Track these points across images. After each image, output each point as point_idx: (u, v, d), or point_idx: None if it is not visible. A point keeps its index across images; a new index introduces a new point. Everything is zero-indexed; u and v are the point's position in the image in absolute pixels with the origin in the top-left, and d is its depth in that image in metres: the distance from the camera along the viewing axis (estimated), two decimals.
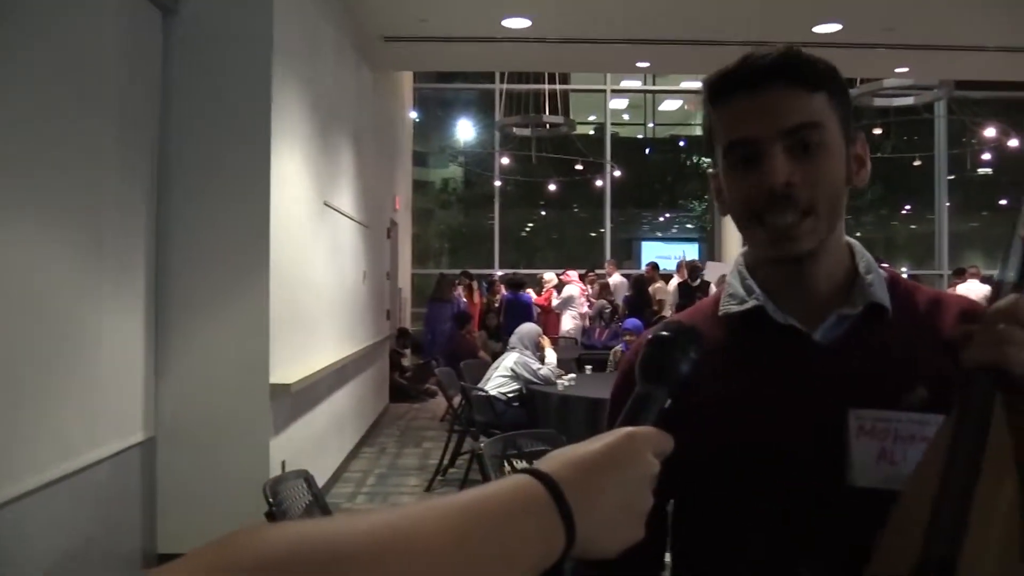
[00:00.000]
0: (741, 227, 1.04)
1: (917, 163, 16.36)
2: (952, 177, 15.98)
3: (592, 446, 0.65)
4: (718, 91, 1.01)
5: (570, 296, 11.15)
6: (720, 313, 1.10)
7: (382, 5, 6.85)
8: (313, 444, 5.54)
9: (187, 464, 4.35)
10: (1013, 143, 15.35)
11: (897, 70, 9.34)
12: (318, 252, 5.76)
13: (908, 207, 18.07)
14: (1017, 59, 8.42)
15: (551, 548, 0.58)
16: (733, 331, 1.08)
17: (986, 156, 16.25)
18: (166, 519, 4.34)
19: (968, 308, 1.04)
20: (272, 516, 2.67)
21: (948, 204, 15.78)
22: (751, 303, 1.06)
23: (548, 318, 11.05)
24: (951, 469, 0.80)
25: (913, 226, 18.13)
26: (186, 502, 4.31)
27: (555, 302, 11.22)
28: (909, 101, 11.43)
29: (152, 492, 4.32)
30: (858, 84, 10.95)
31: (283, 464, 4.52)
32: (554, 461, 0.63)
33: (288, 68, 4.84)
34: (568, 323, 10.97)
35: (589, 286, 11.79)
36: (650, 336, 0.86)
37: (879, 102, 11.36)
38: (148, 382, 4.27)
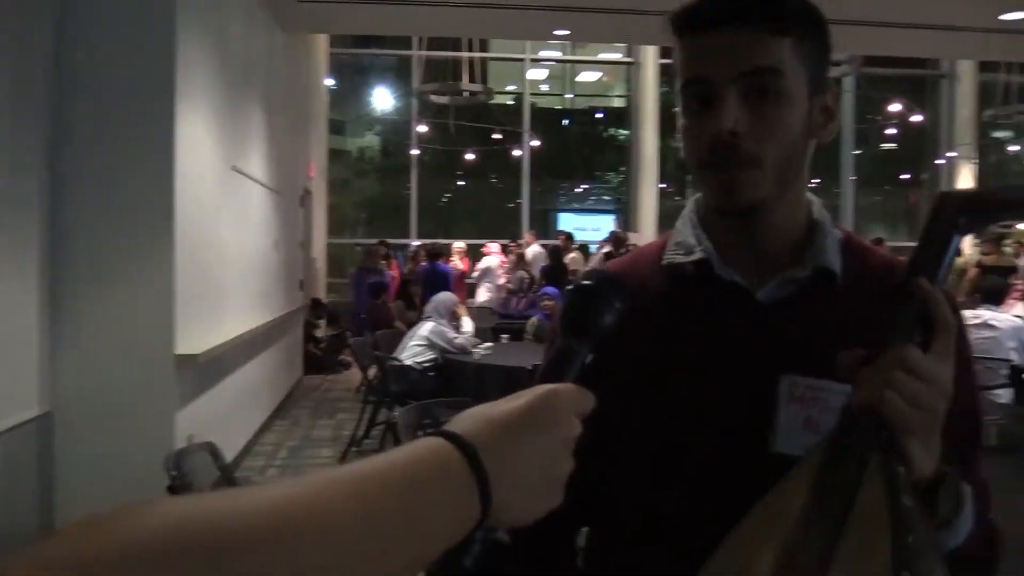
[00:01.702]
0: (693, 173, 0.99)
1: None
2: (858, 152, 16.49)
3: (510, 405, 0.61)
4: (681, 25, 0.95)
5: (488, 267, 11.17)
6: (664, 262, 1.05)
7: None
8: (222, 417, 5.40)
9: (87, 439, 4.17)
10: (916, 119, 15.93)
11: None
12: (227, 218, 5.57)
13: (816, 180, 18.59)
14: (921, 36, 8.69)
15: (465, 516, 0.55)
16: (675, 281, 1.03)
17: (890, 131, 16.83)
18: (65, 496, 4.16)
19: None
20: (174, 490, 2.58)
21: (853, 178, 16.29)
22: (697, 255, 1.01)
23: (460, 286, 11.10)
24: (818, 508, 0.79)
25: (820, 198, 18.68)
26: (86, 478, 4.12)
27: (475, 273, 11.24)
28: None
29: (49, 468, 4.13)
30: None
31: (190, 438, 4.38)
32: (469, 421, 0.59)
33: (193, 24, 4.63)
34: (484, 294, 11.00)
35: (507, 257, 11.82)
36: (571, 287, 0.82)
37: None
38: (43, 354, 4.06)
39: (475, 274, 11.31)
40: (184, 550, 0.40)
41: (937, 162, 16.33)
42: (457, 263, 11.62)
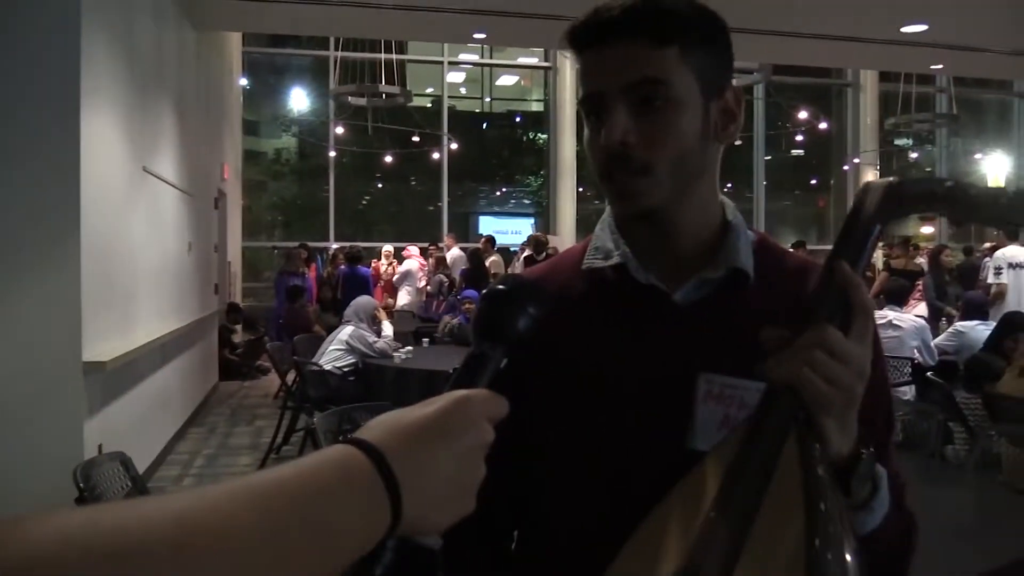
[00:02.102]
0: (598, 183, 1.01)
1: (738, 143, 17.20)
2: (768, 158, 16.99)
3: (421, 411, 0.60)
4: (573, 42, 0.98)
5: (408, 271, 11.12)
6: (584, 267, 1.06)
7: None
8: (135, 425, 5.23)
9: None
10: (823, 126, 16.50)
11: None
12: (137, 220, 5.40)
13: (729, 185, 19.07)
14: (828, 46, 9.00)
15: (375, 527, 0.53)
16: (595, 285, 1.04)
17: (798, 138, 17.39)
18: None
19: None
20: (83, 503, 2.48)
21: (765, 183, 16.77)
22: (615, 259, 1.02)
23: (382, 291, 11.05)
24: (734, 485, 0.81)
25: (733, 203, 19.17)
26: None
27: (395, 277, 11.17)
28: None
29: None
30: None
31: (99, 447, 4.23)
32: (379, 429, 0.58)
33: (99, 20, 4.48)
34: (404, 297, 10.94)
35: (427, 260, 11.79)
36: (485, 291, 0.81)
37: None
38: None
39: (395, 277, 11.25)
40: (80, 561, 0.39)
41: (844, 168, 16.94)
42: (385, 266, 11.57)
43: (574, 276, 1.06)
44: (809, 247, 12.02)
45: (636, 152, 0.93)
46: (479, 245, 11.60)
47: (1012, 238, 6.86)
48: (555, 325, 0.88)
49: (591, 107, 0.97)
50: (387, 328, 6.67)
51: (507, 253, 12.39)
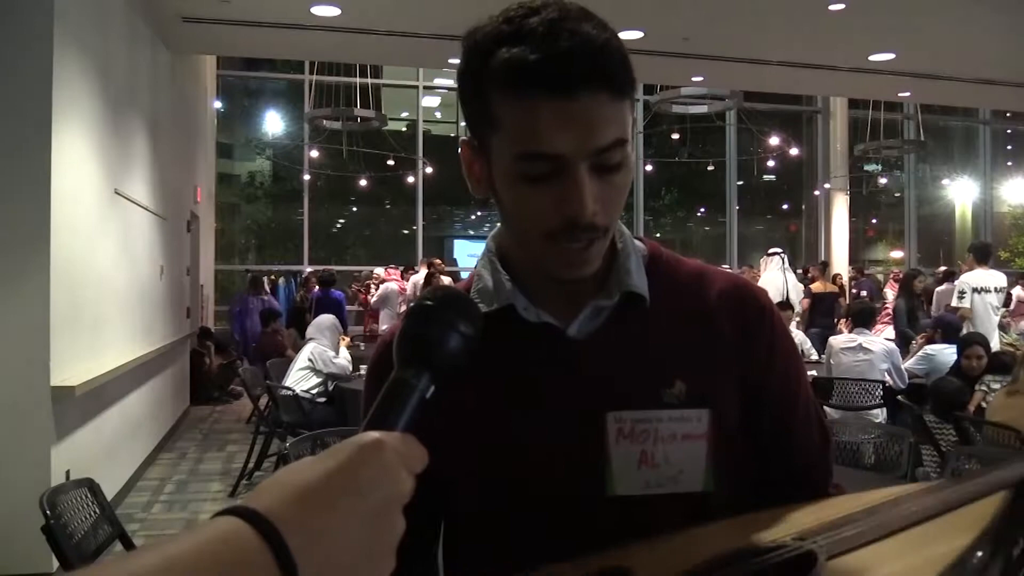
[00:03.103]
0: (521, 237, 0.91)
1: (711, 168, 17.46)
2: (741, 182, 17.17)
3: (322, 465, 0.51)
4: (527, 80, 0.81)
5: (387, 295, 10.98)
6: None
7: None
8: (103, 451, 5.15)
9: None
10: (793, 152, 16.71)
11: (694, 79, 9.89)
12: (108, 243, 5.35)
13: (702, 210, 19.25)
14: (798, 74, 9.14)
15: None
16: (485, 331, 0.88)
17: (770, 164, 17.60)
18: None
19: (734, 283, 1.00)
20: (50, 531, 2.44)
21: (737, 207, 16.93)
22: (502, 303, 0.93)
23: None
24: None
25: (707, 227, 19.33)
26: None
27: (372, 299, 11.07)
28: (703, 109, 12.17)
29: None
30: (658, 90, 11.56)
31: (67, 473, 4.16)
32: (273, 492, 0.50)
33: (72, 42, 4.46)
34: (386, 321, 10.84)
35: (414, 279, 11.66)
36: (410, 307, 0.71)
37: (677, 109, 12.04)
38: None
39: (373, 300, 11.12)
40: None
41: (814, 192, 17.15)
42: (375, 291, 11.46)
43: None
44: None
45: (598, 219, 0.84)
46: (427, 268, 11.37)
47: (981, 263, 6.97)
48: (467, 387, 0.82)
49: (542, 167, 0.83)
50: (344, 353, 6.67)
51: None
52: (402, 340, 0.66)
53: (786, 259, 8.82)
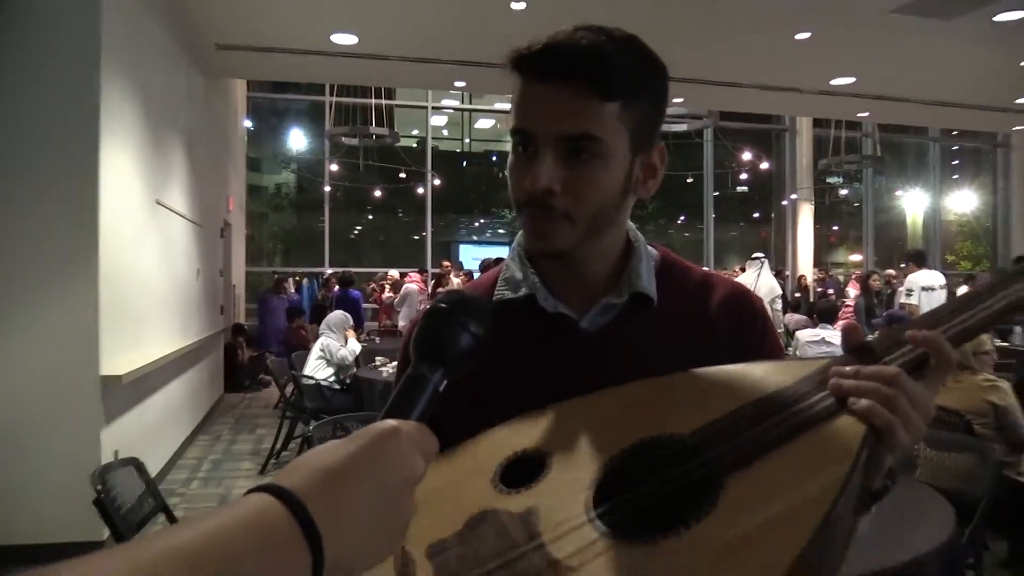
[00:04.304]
0: (517, 212, 0.92)
1: (689, 180, 17.46)
2: (717, 193, 17.16)
3: (344, 450, 0.52)
4: (517, 64, 0.87)
5: (407, 295, 10.90)
6: (494, 298, 0.97)
7: (215, 14, 6.48)
8: (147, 433, 5.17)
9: (18, 455, 3.94)
10: (764, 166, 16.72)
11: (674, 100, 9.90)
12: (150, 248, 5.36)
13: (683, 218, 19.25)
14: (768, 95, 9.16)
15: None
16: (507, 317, 0.94)
17: (743, 176, 17.60)
18: None
19: (734, 291, 0.99)
20: (101, 504, 2.46)
21: (714, 216, 16.93)
22: (523, 291, 0.95)
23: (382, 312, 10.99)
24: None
25: (687, 234, 19.31)
26: (17, 493, 3.90)
27: (395, 300, 11.02)
28: (683, 127, 12.19)
29: None
30: None
31: (115, 453, 4.18)
32: (301, 472, 0.50)
33: (118, 67, 4.48)
34: (407, 317, 10.85)
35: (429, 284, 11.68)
36: (426, 308, 0.72)
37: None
38: None
39: (396, 300, 11.07)
40: None
41: (783, 203, 17.16)
42: (388, 291, 11.46)
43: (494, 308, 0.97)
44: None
45: (558, 201, 0.85)
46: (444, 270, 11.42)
47: (921, 266, 7.02)
48: (490, 358, 0.82)
49: (519, 141, 0.87)
50: (353, 344, 6.70)
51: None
52: (418, 339, 0.66)
53: (766, 262, 8.86)
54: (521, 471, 0.81)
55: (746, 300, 1.00)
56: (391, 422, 0.55)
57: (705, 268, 1.06)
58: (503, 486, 0.81)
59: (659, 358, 0.89)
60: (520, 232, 0.99)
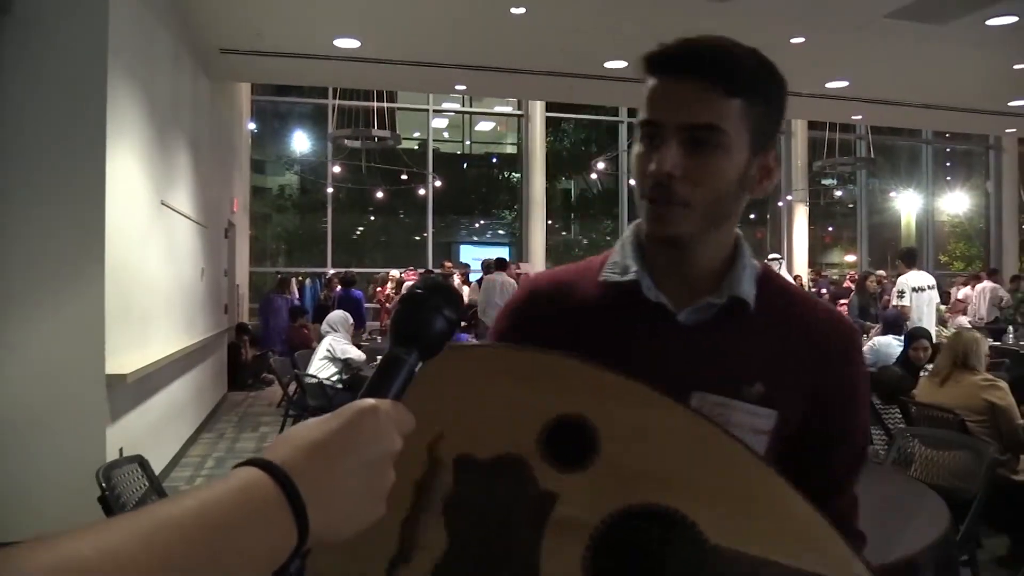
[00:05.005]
0: (636, 200, 0.98)
1: None
2: None
3: (327, 425, 0.54)
4: (647, 65, 0.93)
5: None
6: (600, 278, 1.02)
7: (219, 19, 6.47)
8: (152, 431, 5.15)
9: (24, 452, 3.92)
10: None
11: None
12: (155, 249, 5.35)
13: None
14: None
15: (280, 548, 0.48)
16: (609, 296, 1.01)
17: None
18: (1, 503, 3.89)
19: (830, 319, 1.01)
20: (105, 500, 2.45)
21: None
22: (630, 276, 0.99)
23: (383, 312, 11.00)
24: None
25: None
26: (23, 489, 3.88)
27: (396, 298, 11.06)
28: None
29: None
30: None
31: (120, 451, 4.17)
32: (286, 446, 0.52)
33: (124, 70, 4.47)
34: None
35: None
36: (403, 294, 0.73)
37: None
38: None
39: (396, 298, 11.09)
40: None
41: (778, 204, 17.15)
42: (391, 290, 11.43)
43: (593, 284, 1.03)
44: None
45: (679, 186, 0.90)
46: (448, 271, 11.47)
47: (909, 266, 7.00)
48: (573, 327, 0.94)
49: (647, 132, 0.93)
50: (353, 352, 6.68)
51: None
52: (396, 322, 0.68)
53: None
54: (569, 437, 0.84)
55: (840, 328, 1.02)
56: (370, 400, 0.57)
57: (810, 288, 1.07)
58: (545, 448, 0.84)
59: (744, 359, 0.95)
60: (634, 223, 1.05)
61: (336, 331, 6.49)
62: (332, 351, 6.28)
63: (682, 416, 0.85)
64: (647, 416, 0.85)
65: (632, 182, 0.96)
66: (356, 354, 6.39)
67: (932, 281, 7.02)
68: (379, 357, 4.29)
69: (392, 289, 11.54)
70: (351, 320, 6.89)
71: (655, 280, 0.99)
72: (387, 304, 11.27)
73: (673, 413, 0.85)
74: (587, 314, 1.01)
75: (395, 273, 11.97)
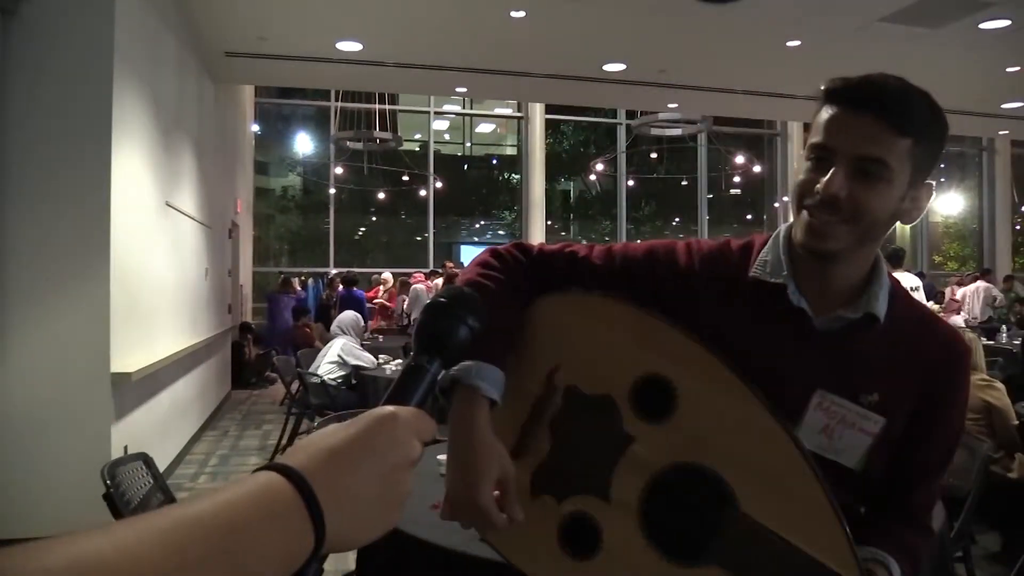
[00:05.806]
0: (793, 206, 1.06)
1: (684, 183, 17.46)
2: (711, 196, 17.15)
3: (346, 431, 0.54)
4: (830, 92, 1.01)
5: (417, 295, 10.73)
6: (751, 274, 1.09)
7: (223, 23, 6.47)
8: (156, 429, 5.15)
9: (29, 449, 3.92)
10: (756, 169, 16.70)
11: (669, 105, 9.89)
12: (160, 249, 5.35)
13: (677, 219, 19.23)
14: (760, 101, 9.15)
15: (297, 552, 0.48)
16: (756, 292, 1.08)
17: (736, 179, 17.59)
18: (5, 500, 3.87)
19: (946, 339, 1.09)
20: (110, 498, 2.44)
21: (708, 218, 16.92)
22: (780, 279, 1.06)
23: (378, 312, 10.90)
24: None
25: (681, 235, 19.20)
26: (29, 486, 3.88)
27: (407, 302, 10.81)
28: (678, 132, 12.17)
29: None
30: (639, 116, 11.55)
31: (125, 448, 4.17)
32: (305, 451, 0.52)
33: (130, 73, 4.46)
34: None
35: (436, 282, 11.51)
36: (428, 303, 0.74)
37: (655, 131, 12.03)
38: None
39: (406, 303, 10.89)
40: None
41: (775, 205, 17.15)
42: (383, 294, 11.30)
43: (742, 274, 1.10)
44: None
45: (844, 206, 0.97)
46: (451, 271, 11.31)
47: (896, 267, 6.99)
48: (719, 312, 1.05)
49: (819, 153, 1.00)
50: (366, 359, 6.63)
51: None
52: (419, 331, 0.68)
53: None
54: (656, 393, 0.99)
55: (955, 349, 1.10)
56: (389, 408, 0.57)
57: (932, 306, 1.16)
58: (634, 397, 1.00)
59: (866, 368, 1.05)
60: (785, 225, 1.12)
61: (347, 334, 6.42)
62: (344, 355, 6.14)
63: (755, 408, 0.96)
64: (725, 399, 0.97)
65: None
66: (368, 360, 6.27)
67: (918, 282, 6.99)
68: (381, 356, 4.28)
69: (384, 296, 11.36)
70: (363, 322, 6.84)
71: (798, 285, 1.06)
72: (387, 307, 11.19)
73: (748, 403, 0.96)
74: (736, 303, 1.09)
75: (387, 276, 11.77)
